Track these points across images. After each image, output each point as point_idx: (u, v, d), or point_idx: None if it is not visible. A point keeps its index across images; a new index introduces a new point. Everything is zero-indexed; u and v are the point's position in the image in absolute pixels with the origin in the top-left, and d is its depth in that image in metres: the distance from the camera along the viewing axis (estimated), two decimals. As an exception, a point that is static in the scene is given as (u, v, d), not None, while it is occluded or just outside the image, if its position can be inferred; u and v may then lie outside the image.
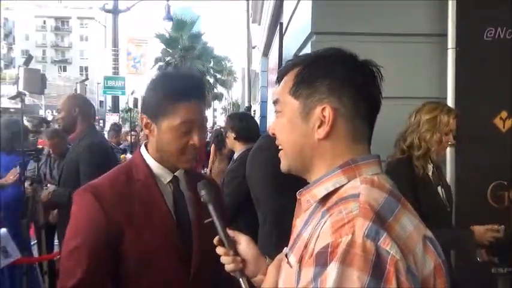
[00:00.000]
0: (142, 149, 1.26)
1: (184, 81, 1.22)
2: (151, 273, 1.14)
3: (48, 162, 3.79)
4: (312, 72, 0.79)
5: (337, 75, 0.77)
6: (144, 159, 1.24)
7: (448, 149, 2.45)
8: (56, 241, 3.65)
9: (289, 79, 0.82)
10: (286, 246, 0.87)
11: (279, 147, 0.86)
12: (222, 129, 7.77)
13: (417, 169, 1.94)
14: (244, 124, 2.91)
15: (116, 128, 8.13)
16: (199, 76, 1.40)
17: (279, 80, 0.86)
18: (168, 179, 1.24)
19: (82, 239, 1.10)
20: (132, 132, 7.84)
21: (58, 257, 3.29)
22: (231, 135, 2.90)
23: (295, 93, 0.80)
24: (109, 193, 1.14)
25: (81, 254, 1.08)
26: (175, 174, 1.25)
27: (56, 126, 3.94)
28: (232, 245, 1.02)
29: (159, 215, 1.18)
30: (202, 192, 1.08)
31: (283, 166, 0.85)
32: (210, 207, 1.06)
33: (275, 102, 0.85)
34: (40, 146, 3.56)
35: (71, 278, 1.07)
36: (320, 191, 0.77)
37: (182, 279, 1.19)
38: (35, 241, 3.42)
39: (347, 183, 0.75)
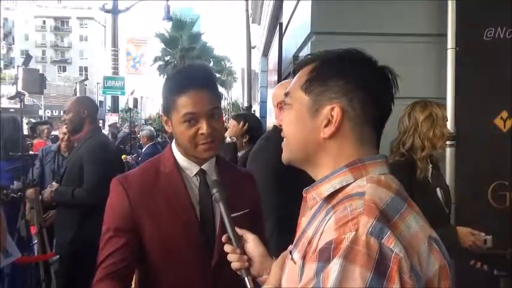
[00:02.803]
0: (173, 143, 1.30)
1: (184, 73, 1.27)
2: (172, 264, 1.18)
3: (56, 159, 3.77)
4: (327, 70, 0.78)
5: (351, 77, 0.77)
6: (172, 152, 1.28)
7: (448, 149, 2.45)
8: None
9: (303, 74, 0.81)
10: (288, 246, 0.86)
11: (283, 139, 0.85)
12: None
13: (419, 171, 1.93)
14: (257, 125, 2.94)
15: (116, 130, 8.24)
16: (203, 65, 1.40)
17: (294, 72, 0.85)
18: (194, 172, 1.25)
19: (109, 223, 1.19)
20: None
21: (57, 257, 3.29)
22: (244, 135, 2.89)
23: (307, 89, 0.79)
24: (136, 183, 1.21)
25: (109, 236, 1.17)
26: (202, 167, 1.26)
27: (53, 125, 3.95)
28: (240, 243, 1.03)
29: (181, 207, 1.20)
30: (214, 191, 1.09)
31: (284, 157, 0.85)
32: (221, 206, 1.07)
33: (286, 94, 0.84)
34: (31, 152, 3.52)
35: (100, 257, 1.17)
36: (326, 188, 0.77)
37: (203, 272, 1.20)
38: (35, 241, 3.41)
39: (353, 181, 0.75)
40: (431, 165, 2.04)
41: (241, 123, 2.93)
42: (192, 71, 1.27)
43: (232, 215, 1.06)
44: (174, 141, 1.30)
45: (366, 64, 0.79)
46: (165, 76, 1.46)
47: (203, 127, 1.18)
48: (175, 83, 1.23)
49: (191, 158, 1.25)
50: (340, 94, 0.76)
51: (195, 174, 1.25)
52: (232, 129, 2.96)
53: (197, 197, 1.24)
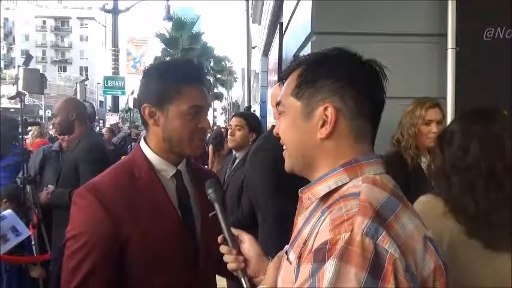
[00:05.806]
0: (142, 144, 1.22)
1: (188, 66, 1.21)
2: (160, 269, 1.13)
3: (60, 158, 3.72)
4: (314, 72, 0.79)
5: (340, 75, 0.77)
6: (144, 154, 1.19)
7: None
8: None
9: (291, 80, 0.82)
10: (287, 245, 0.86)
11: (283, 148, 0.85)
12: (221, 130, 7.77)
13: (409, 160, 2.03)
14: (259, 125, 2.94)
15: (117, 129, 8.25)
16: (200, 61, 1.38)
17: (283, 79, 0.86)
18: (171, 174, 1.20)
19: (85, 240, 1.06)
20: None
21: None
22: (247, 135, 2.87)
23: (297, 94, 0.80)
24: (111, 194, 1.10)
25: (85, 254, 1.05)
26: (178, 168, 1.22)
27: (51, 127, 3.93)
28: (236, 244, 1.02)
29: (165, 212, 1.15)
30: (210, 191, 1.08)
31: (287, 166, 0.85)
32: (216, 206, 1.06)
33: (278, 103, 0.85)
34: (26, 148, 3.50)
35: (75, 278, 1.05)
36: (322, 188, 0.77)
37: (190, 272, 1.18)
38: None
39: (349, 181, 0.75)
40: (429, 159, 2.09)
41: (252, 134, 2.85)
42: (198, 64, 1.25)
43: (210, 214, 1.06)
44: (143, 142, 1.22)
45: (351, 60, 0.80)
46: (161, 62, 1.37)
47: (205, 122, 1.18)
48: (184, 72, 1.17)
49: (169, 158, 1.20)
50: (330, 93, 0.76)
51: (172, 176, 1.20)
52: (241, 131, 2.87)
53: (176, 199, 1.19)
